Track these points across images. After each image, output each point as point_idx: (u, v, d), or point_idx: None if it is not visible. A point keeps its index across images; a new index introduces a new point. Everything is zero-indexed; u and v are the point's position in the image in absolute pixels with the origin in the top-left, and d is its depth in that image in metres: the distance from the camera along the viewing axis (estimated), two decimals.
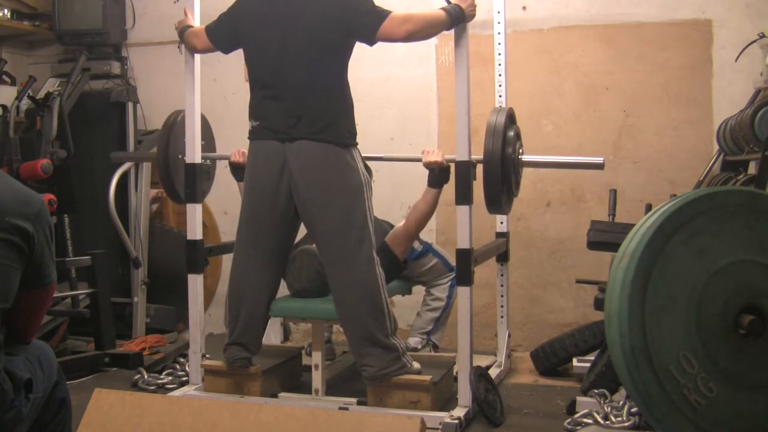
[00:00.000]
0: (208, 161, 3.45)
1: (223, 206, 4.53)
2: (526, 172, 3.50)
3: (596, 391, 2.90)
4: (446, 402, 3.01)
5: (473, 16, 2.89)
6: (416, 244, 3.58)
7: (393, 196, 4.20)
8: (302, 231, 3.08)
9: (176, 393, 3.13)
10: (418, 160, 3.22)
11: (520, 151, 3.12)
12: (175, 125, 3.37)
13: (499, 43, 3.54)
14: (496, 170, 2.91)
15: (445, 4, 2.85)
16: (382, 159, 3.50)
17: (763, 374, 1.96)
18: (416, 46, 3.96)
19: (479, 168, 2.95)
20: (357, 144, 2.95)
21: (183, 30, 3.16)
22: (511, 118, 3.10)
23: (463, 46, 2.89)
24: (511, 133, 3.02)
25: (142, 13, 4.78)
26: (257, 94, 2.94)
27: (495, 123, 2.97)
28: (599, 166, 3.09)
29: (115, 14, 4.65)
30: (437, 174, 3.19)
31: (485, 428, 2.86)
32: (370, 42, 2.84)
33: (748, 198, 2.03)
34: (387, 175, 4.16)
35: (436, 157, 3.16)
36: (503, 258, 3.62)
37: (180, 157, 3.29)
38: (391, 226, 3.61)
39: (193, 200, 3.21)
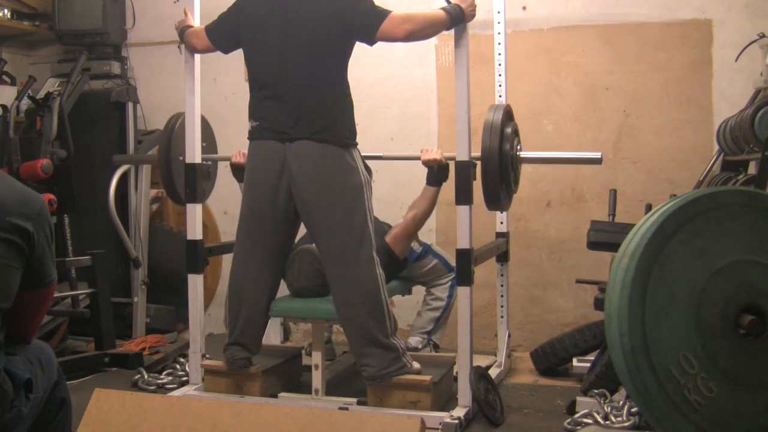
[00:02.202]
0: (208, 162, 3.45)
1: (223, 206, 4.53)
2: (526, 172, 3.50)
3: (596, 391, 2.90)
4: (446, 402, 3.02)
5: (473, 16, 2.89)
6: (416, 246, 3.58)
7: (393, 196, 4.20)
8: (302, 230, 3.08)
9: (176, 393, 3.13)
10: (417, 158, 3.23)
11: (518, 147, 3.12)
12: (175, 128, 3.39)
13: (499, 43, 3.54)
14: (494, 167, 2.92)
15: (445, 4, 2.85)
16: (382, 158, 3.50)
17: (763, 374, 1.96)
18: (416, 46, 3.96)
19: (479, 167, 2.95)
20: (357, 144, 2.95)
21: (183, 30, 3.16)
22: (508, 115, 3.10)
23: (463, 46, 2.89)
24: (509, 130, 3.01)
25: (142, 13, 4.77)
26: (257, 94, 2.94)
27: (492, 120, 2.98)
28: (597, 161, 3.12)
29: (115, 14, 4.65)
30: (436, 172, 3.19)
31: (485, 428, 2.86)
32: (370, 42, 2.84)
33: (748, 198, 2.03)
34: (387, 175, 4.16)
35: (434, 155, 3.16)
36: (503, 258, 3.62)
37: (180, 159, 3.30)
38: (391, 227, 3.61)
39: (193, 200, 3.21)
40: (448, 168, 3.11)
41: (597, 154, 3.11)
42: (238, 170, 3.32)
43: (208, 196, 3.61)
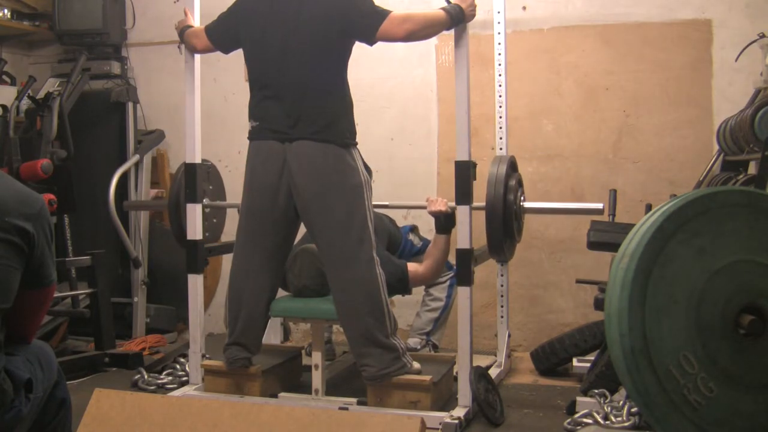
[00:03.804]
0: (213, 205, 3.47)
1: None
2: (527, 172, 3.51)
3: (596, 391, 2.91)
4: (446, 402, 3.02)
5: (473, 16, 2.89)
6: (416, 240, 3.59)
7: (393, 196, 4.19)
8: (302, 230, 3.08)
9: (176, 393, 3.13)
10: (423, 207, 3.23)
11: (522, 198, 3.14)
12: (183, 177, 3.38)
13: (499, 43, 3.54)
14: (498, 218, 2.95)
15: (445, 4, 2.85)
16: (387, 207, 3.49)
17: (763, 374, 1.96)
18: (416, 46, 3.96)
19: (483, 214, 2.97)
20: (357, 144, 2.95)
21: (183, 30, 3.16)
22: (512, 166, 3.13)
23: (463, 46, 2.89)
24: (513, 182, 3.04)
25: (142, 13, 4.77)
26: (257, 94, 2.94)
27: (496, 172, 3.00)
28: (598, 212, 3.13)
29: (115, 14, 4.65)
30: (443, 221, 3.19)
31: (485, 428, 2.86)
32: (370, 42, 2.84)
33: (748, 198, 2.03)
34: (387, 176, 4.16)
35: (440, 206, 3.16)
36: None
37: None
38: (392, 221, 3.62)
39: (193, 200, 3.21)
40: (454, 216, 3.12)
41: (599, 206, 3.11)
42: None
43: (218, 237, 3.63)
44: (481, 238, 3.09)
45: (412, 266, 3.26)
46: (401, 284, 3.20)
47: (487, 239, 3.01)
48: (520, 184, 3.15)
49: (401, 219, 4.15)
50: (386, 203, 3.44)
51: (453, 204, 3.02)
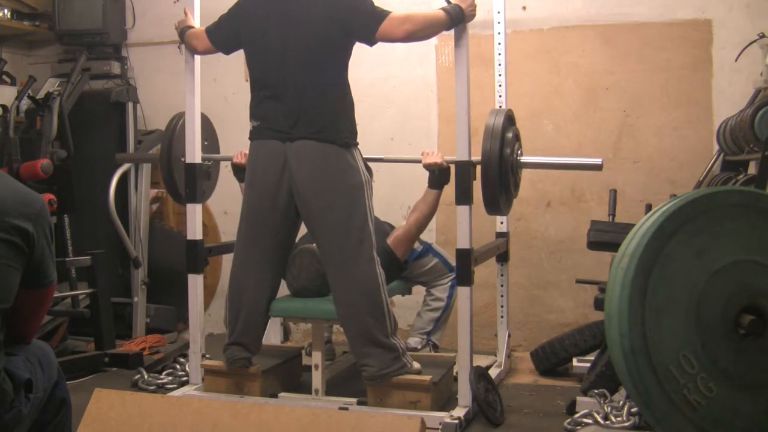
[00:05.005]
0: (209, 161, 3.45)
1: (223, 206, 4.53)
2: (526, 172, 3.50)
3: (596, 391, 2.90)
4: (446, 402, 3.02)
5: (473, 16, 2.89)
6: (416, 245, 3.58)
7: (393, 196, 4.20)
8: (302, 230, 3.08)
9: (176, 393, 3.13)
10: (418, 161, 3.23)
11: (519, 152, 3.12)
12: (177, 127, 3.40)
13: (499, 43, 3.54)
14: (494, 172, 2.92)
15: (444, 4, 2.85)
16: (382, 160, 3.50)
17: (763, 374, 1.96)
18: (416, 46, 3.96)
19: (479, 168, 2.95)
20: (357, 144, 2.95)
21: (183, 31, 3.16)
22: (509, 119, 3.10)
23: (463, 46, 2.89)
24: (510, 135, 3.02)
25: (142, 13, 4.78)
26: (258, 94, 2.95)
27: (493, 124, 2.98)
28: (597, 167, 3.11)
29: (115, 14, 4.65)
30: (437, 175, 3.20)
31: (485, 428, 2.86)
32: (370, 42, 2.84)
33: (748, 198, 2.03)
34: (387, 176, 4.15)
35: (435, 158, 3.17)
36: (503, 258, 3.62)
37: (182, 159, 3.31)
38: (392, 227, 3.61)
39: (193, 200, 3.21)
40: (450, 171, 3.12)
41: (597, 160, 3.10)
42: (239, 170, 3.33)
43: (209, 196, 3.62)
44: (482, 238, 3.09)
45: (390, 238, 3.27)
46: (392, 261, 3.20)
47: (483, 194, 2.96)
48: (517, 137, 3.12)
49: (402, 221, 4.15)
50: (381, 156, 3.44)
51: (450, 157, 2.99)
